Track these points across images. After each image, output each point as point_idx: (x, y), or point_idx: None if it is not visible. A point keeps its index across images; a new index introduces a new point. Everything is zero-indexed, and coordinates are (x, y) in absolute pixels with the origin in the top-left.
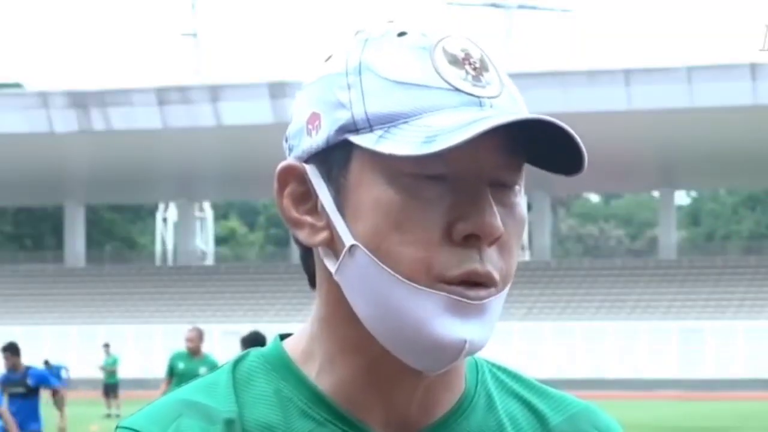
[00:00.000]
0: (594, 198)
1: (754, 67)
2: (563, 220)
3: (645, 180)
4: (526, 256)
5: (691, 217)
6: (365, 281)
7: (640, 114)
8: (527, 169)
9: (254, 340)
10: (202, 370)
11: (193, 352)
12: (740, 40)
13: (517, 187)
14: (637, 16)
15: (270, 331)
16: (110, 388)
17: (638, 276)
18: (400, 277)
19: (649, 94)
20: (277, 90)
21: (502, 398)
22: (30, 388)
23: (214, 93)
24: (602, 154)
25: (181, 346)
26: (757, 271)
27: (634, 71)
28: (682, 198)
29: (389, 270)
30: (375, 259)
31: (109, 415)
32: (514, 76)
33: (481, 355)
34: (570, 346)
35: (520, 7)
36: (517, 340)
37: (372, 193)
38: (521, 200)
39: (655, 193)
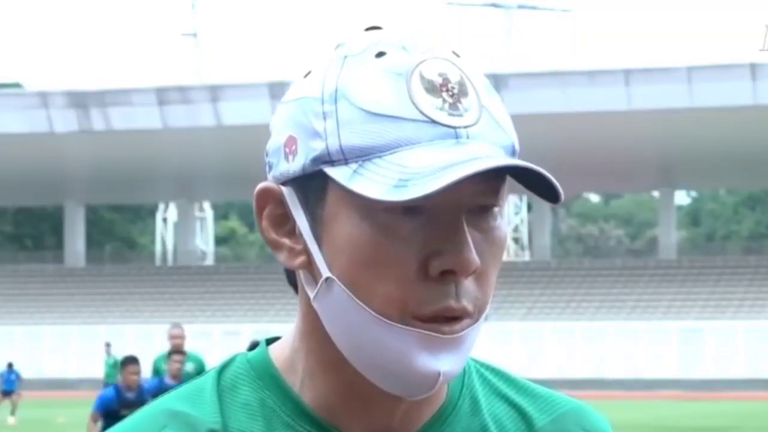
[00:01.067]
0: (594, 198)
1: (754, 67)
2: (563, 220)
3: (645, 180)
4: (526, 256)
5: (691, 217)
6: (341, 313)
7: (640, 114)
8: None
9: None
10: (189, 366)
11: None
12: (740, 40)
13: (496, 209)
14: (637, 16)
15: (270, 331)
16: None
17: (638, 276)
18: (374, 314)
19: (649, 94)
20: (277, 90)
21: (488, 400)
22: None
23: (214, 93)
24: (602, 154)
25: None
26: (757, 271)
27: (634, 71)
28: (682, 198)
29: (363, 305)
30: (350, 293)
31: None
32: (514, 76)
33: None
34: (570, 346)
35: (520, 7)
36: (517, 340)
37: (346, 227)
38: (500, 221)
39: (655, 193)
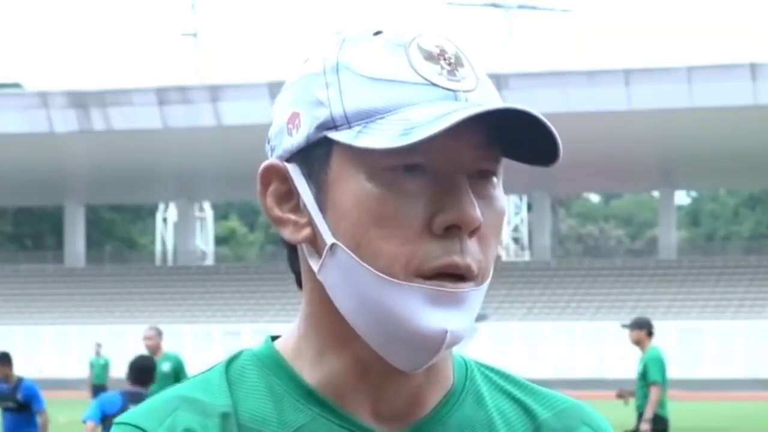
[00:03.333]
0: (594, 198)
1: (754, 67)
2: (563, 220)
3: (645, 180)
4: (526, 256)
5: (691, 217)
6: (347, 279)
7: (640, 114)
8: (527, 170)
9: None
10: (166, 366)
11: (153, 352)
12: (740, 40)
13: (495, 179)
14: (637, 16)
15: (270, 331)
16: (98, 389)
17: (638, 276)
18: (379, 274)
19: (649, 94)
20: (277, 90)
21: (491, 394)
22: (20, 404)
23: (214, 93)
24: (602, 154)
25: (179, 347)
26: (757, 271)
27: (634, 71)
28: (682, 198)
29: (368, 267)
30: (355, 256)
31: None
32: (514, 76)
33: (470, 354)
34: (570, 346)
35: (520, 7)
36: (517, 340)
37: (352, 188)
38: (499, 192)
39: (655, 193)
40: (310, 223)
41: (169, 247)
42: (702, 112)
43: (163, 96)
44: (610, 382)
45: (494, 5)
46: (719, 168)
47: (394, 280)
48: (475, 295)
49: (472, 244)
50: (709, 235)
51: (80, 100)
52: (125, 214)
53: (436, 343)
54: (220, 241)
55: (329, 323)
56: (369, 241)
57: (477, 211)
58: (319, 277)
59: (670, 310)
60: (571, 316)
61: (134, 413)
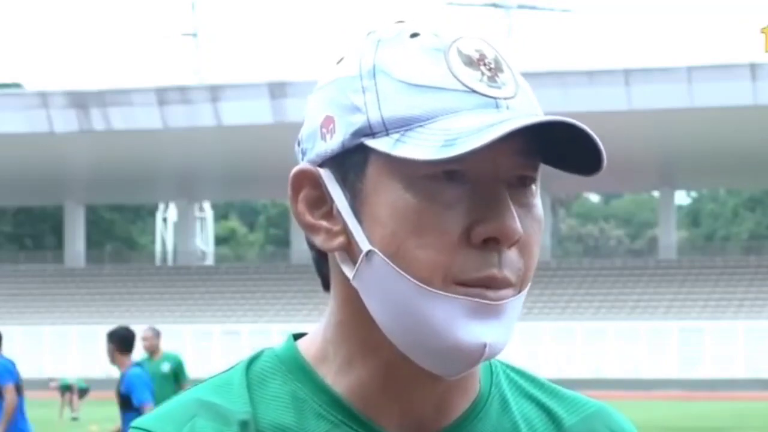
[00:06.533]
0: (594, 198)
1: (754, 67)
2: (563, 220)
3: (645, 180)
4: None
5: (691, 217)
6: (383, 286)
7: (640, 114)
8: None
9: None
10: (165, 366)
11: (151, 353)
12: (740, 40)
13: (534, 187)
14: (637, 16)
15: (270, 331)
16: (67, 389)
17: (638, 276)
18: (417, 282)
19: (649, 94)
20: (277, 90)
21: (516, 400)
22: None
23: (214, 93)
24: None
25: (179, 347)
26: (757, 271)
27: (634, 71)
28: (682, 198)
29: (407, 275)
30: (392, 264)
31: (75, 418)
32: None
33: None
34: (570, 346)
35: (520, 7)
36: (517, 340)
37: (389, 197)
38: (538, 200)
39: (655, 193)
40: (344, 230)
41: (169, 247)
42: (702, 112)
43: (163, 96)
44: (610, 382)
45: (494, 5)
46: (719, 168)
47: (432, 289)
48: (515, 303)
49: (511, 254)
50: (709, 235)
51: (80, 100)
52: (125, 214)
53: (474, 356)
54: (220, 241)
55: (361, 330)
56: (406, 249)
57: (517, 224)
58: (353, 283)
59: (670, 310)
60: (571, 316)
61: (151, 418)
